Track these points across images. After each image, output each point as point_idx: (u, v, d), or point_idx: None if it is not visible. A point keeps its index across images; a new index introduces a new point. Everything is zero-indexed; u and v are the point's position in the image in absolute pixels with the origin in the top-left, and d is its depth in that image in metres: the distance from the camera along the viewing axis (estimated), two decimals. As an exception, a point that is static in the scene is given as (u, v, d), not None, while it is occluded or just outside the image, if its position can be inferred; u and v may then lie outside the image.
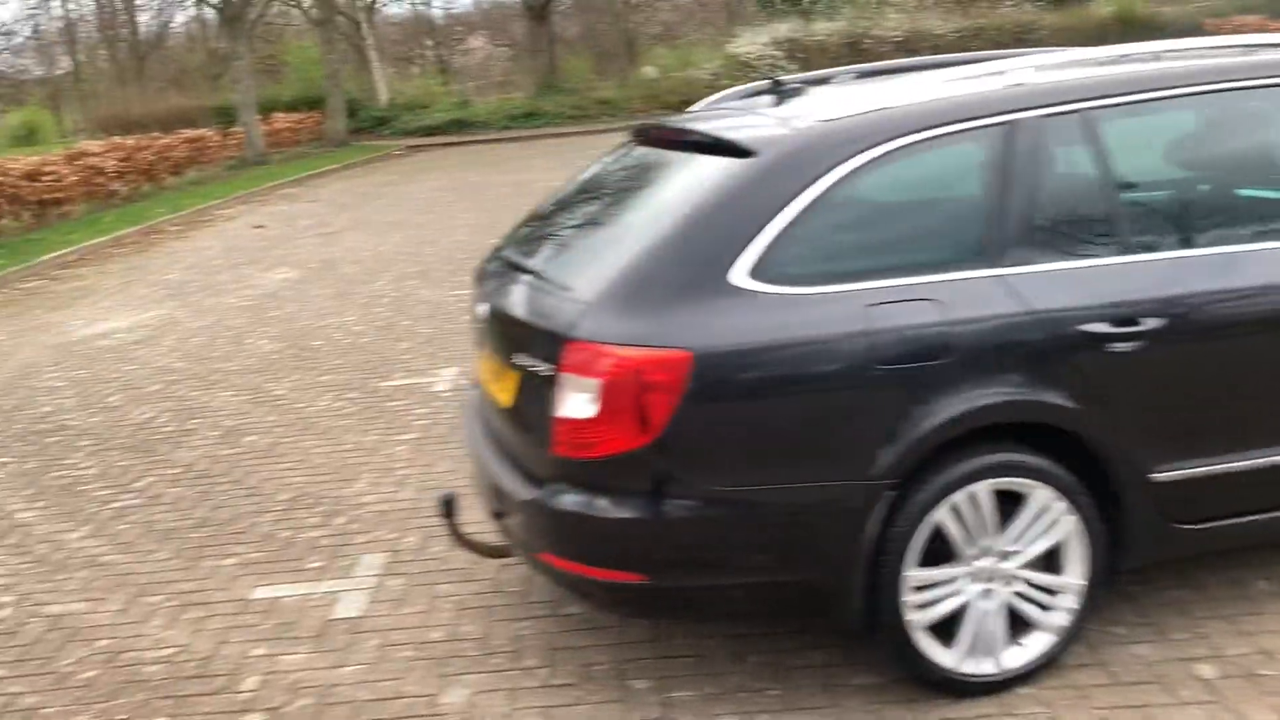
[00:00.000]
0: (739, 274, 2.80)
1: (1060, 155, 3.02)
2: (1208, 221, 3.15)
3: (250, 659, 3.59)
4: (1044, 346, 2.87)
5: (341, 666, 3.50)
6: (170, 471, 5.44)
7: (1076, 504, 2.95)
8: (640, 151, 3.60)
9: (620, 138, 3.97)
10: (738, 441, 2.79)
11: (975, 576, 2.96)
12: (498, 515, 3.36)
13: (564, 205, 3.63)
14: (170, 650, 3.70)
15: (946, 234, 2.97)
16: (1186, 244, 3.08)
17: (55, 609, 4.08)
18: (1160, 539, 3.07)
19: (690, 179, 3.09)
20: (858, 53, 27.61)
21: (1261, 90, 3.19)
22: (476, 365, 3.68)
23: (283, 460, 5.45)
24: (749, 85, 4.02)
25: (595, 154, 4.05)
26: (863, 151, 2.89)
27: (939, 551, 2.92)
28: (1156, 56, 3.34)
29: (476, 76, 44.47)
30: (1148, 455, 2.98)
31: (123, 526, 4.80)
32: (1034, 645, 3.03)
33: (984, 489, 2.89)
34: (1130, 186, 3.09)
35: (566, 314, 2.88)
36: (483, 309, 3.40)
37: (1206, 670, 3.06)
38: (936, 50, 26.57)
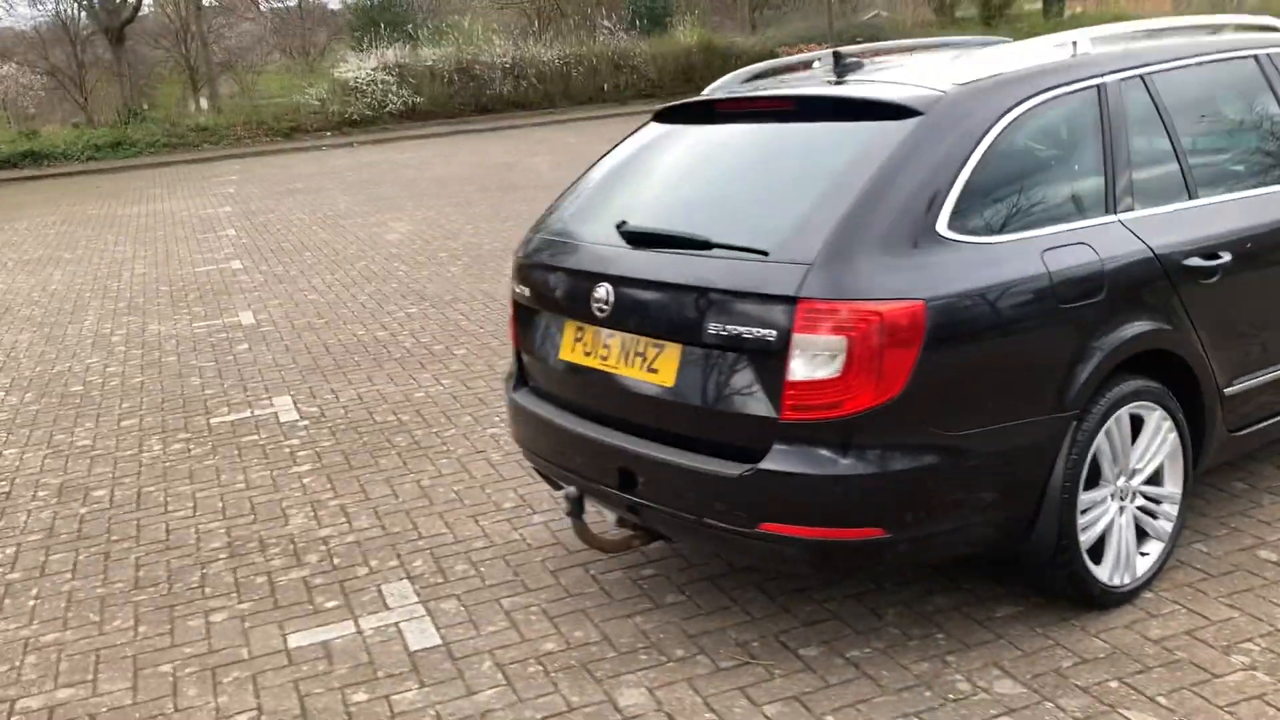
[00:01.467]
0: (943, 226, 2.92)
1: (1135, 113, 3.41)
2: (1249, 167, 3.72)
3: (360, 705, 3.17)
4: (1162, 281, 3.25)
5: (477, 693, 3.18)
6: (30, 539, 4.57)
7: (1177, 422, 3.35)
8: (713, 125, 3.60)
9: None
10: (963, 387, 2.90)
11: (1115, 496, 3.27)
12: (631, 506, 3.23)
13: (652, 178, 3.56)
14: (247, 716, 3.17)
15: (1078, 183, 3.27)
16: (1239, 187, 3.61)
17: (34, 702, 3.34)
18: (1222, 447, 3.55)
19: (845, 139, 3.16)
20: (470, 77, 27.95)
21: (1242, 60, 3.80)
22: (555, 354, 3.49)
23: (169, 509, 4.76)
24: (748, 69, 4.13)
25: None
26: (1010, 110, 3.12)
27: (1090, 477, 3.19)
28: (1160, 33, 3.86)
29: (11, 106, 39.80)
30: (1224, 373, 3.45)
31: (32, 603, 3.98)
32: (1153, 553, 3.39)
33: (1125, 414, 3.21)
34: (1189, 138, 3.55)
35: (784, 276, 2.85)
36: (603, 290, 3.24)
37: (1269, 554, 3.57)
38: (542, 76, 27.51)
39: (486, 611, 3.64)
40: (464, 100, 28.06)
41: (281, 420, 5.86)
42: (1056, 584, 3.24)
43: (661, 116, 3.86)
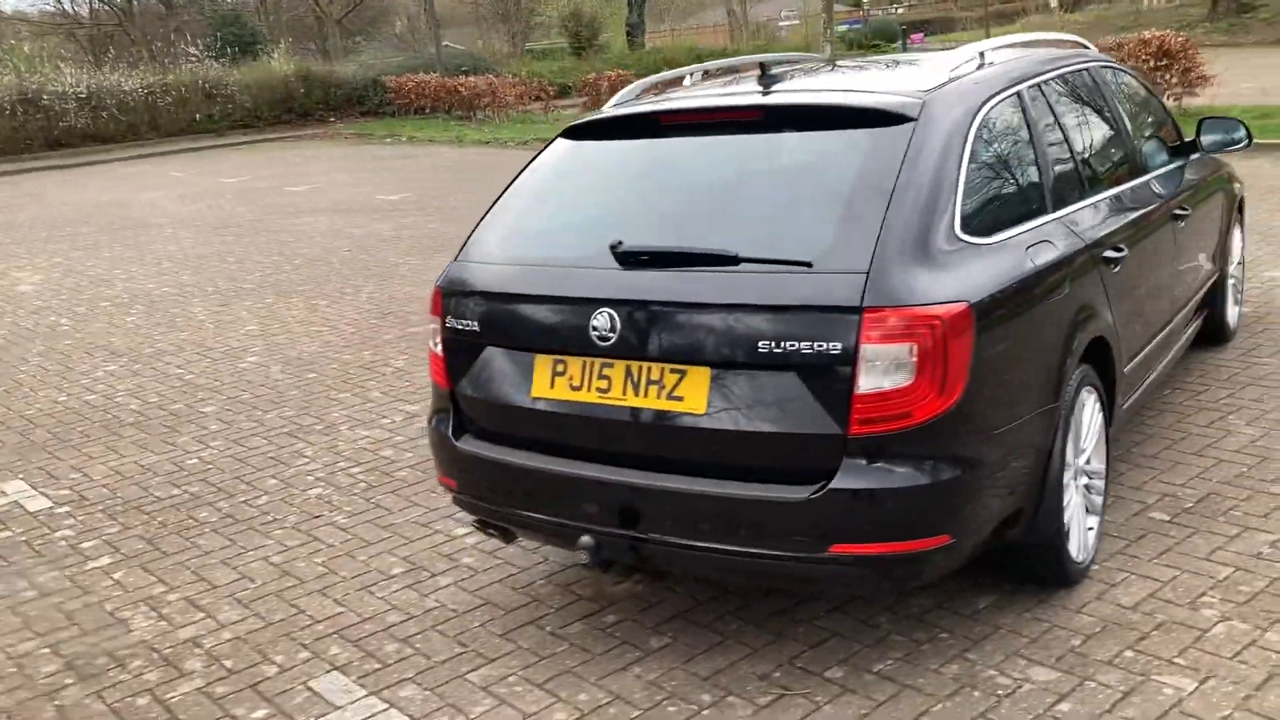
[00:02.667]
0: (959, 228, 2.96)
1: (1042, 118, 3.65)
2: (1113, 165, 4.08)
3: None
4: (1095, 273, 3.50)
5: (518, 784, 2.79)
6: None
7: (1101, 402, 3.62)
8: (664, 139, 3.43)
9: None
10: (1000, 385, 2.95)
11: (1074, 476, 3.47)
12: (632, 544, 3.00)
13: (611, 196, 3.33)
14: None
15: (1028, 185, 3.43)
16: (1112, 183, 3.96)
17: None
18: (1114, 422, 3.88)
19: (841, 147, 3.12)
20: (39, 108, 25.06)
21: (1084, 72, 4.19)
22: (521, 394, 3.16)
23: None
24: (637, 85, 3.98)
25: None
26: (975, 115, 3.23)
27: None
28: (1020, 47, 4.14)
29: None
30: (1124, 354, 3.77)
31: None
32: (1095, 527, 3.63)
33: (1082, 398, 3.41)
34: (1075, 141, 3.85)
35: (841, 287, 2.75)
36: (604, 317, 2.97)
37: (1160, 515, 3.94)
38: (124, 107, 25.25)
39: (460, 691, 3.22)
40: (30, 134, 25.02)
41: (31, 509, 4.87)
42: (1046, 568, 3.37)
43: (576, 133, 3.61)
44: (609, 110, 3.62)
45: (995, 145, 3.34)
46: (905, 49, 32.49)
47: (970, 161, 3.10)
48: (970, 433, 2.85)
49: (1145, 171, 4.30)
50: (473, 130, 22.88)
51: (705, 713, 3.02)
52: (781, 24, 55.31)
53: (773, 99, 3.38)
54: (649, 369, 2.96)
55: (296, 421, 5.81)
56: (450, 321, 3.35)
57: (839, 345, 2.73)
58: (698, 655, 3.30)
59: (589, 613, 3.59)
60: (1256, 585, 3.42)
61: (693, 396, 2.89)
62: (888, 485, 2.76)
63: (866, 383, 2.73)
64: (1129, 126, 4.37)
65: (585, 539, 3.02)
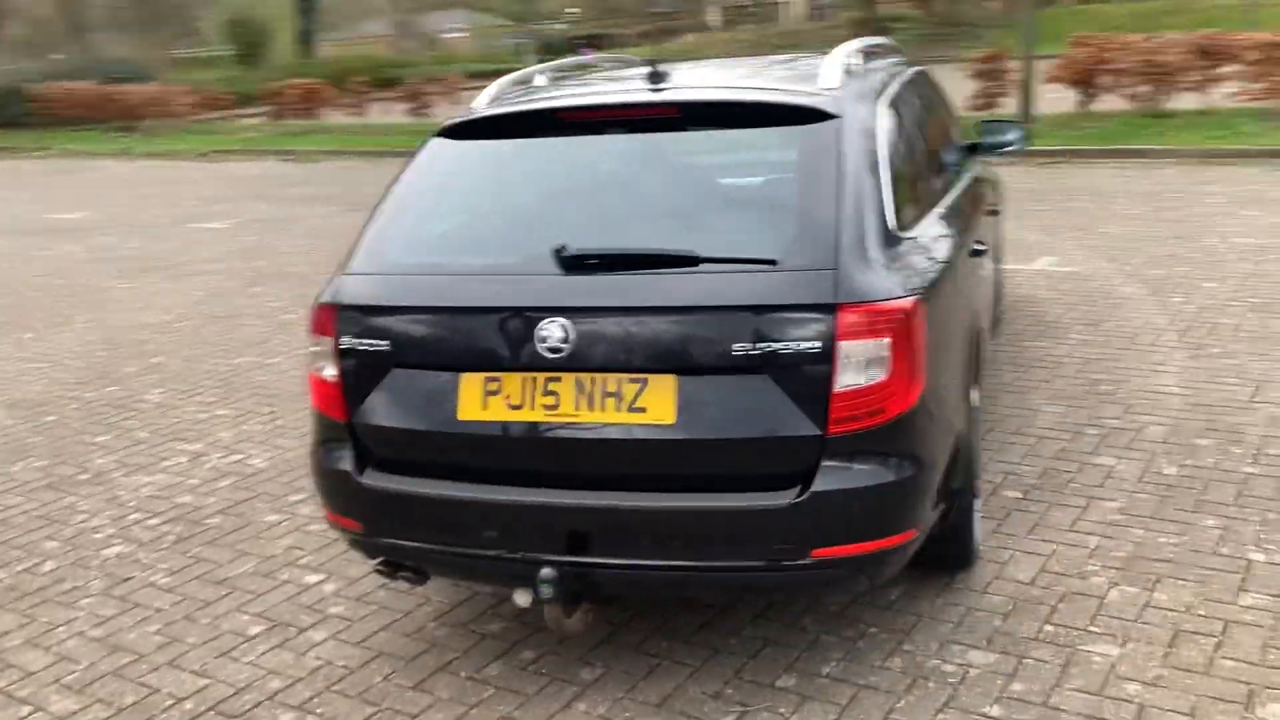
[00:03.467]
0: (892, 223, 2.97)
1: (908, 117, 3.74)
2: (956, 161, 4.25)
3: None
4: (971, 265, 3.64)
5: None
6: None
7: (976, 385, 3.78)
8: (564, 136, 3.22)
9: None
10: (938, 376, 2.98)
11: (972, 460, 3.59)
12: (579, 572, 2.81)
13: (520, 198, 3.09)
14: None
15: (913, 183, 3.49)
16: (957, 179, 4.13)
17: None
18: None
19: (770, 143, 3.06)
20: None
21: (921, 72, 4.36)
22: (444, 416, 2.88)
23: None
24: (509, 76, 3.75)
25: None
26: (875, 114, 3.26)
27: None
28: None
29: None
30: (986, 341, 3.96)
31: None
32: (979, 509, 3.78)
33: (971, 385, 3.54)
34: (935, 139, 3.97)
35: (812, 284, 2.68)
36: (555, 327, 2.74)
37: (1012, 493, 4.16)
38: None
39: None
40: None
41: None
42: (959, 551, 3.45)
43: (456, 133, 3.32)
44: (490, 109, 3.35)
45: (894, 145, 3.38)
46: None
47: (887, 160, 3.11)
48: (925, 424, 2.86)
49: (963, 169, 4.53)
50: (140, 142, 21.09)
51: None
52: (448, 35, 55.04)
53: (689, 95, 3.25)
54: (604, 380, 2.76)
55: (54, 472, 5.05)
56: (347, 341, 2.98)
57: (816, 344, 2.65)
58: (639, 682, 3.12)
59: (501, 652, 3.32)
60: (1125, 550, 3.66)
61: (658, 406, 2.72)
62: (866, 484, 2.72)
63: (844, 380, 2.67)
64: (950, 127, 4.60)
65: (547, 571, 2.77)
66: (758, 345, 2.67)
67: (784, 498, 2.69)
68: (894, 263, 2.84)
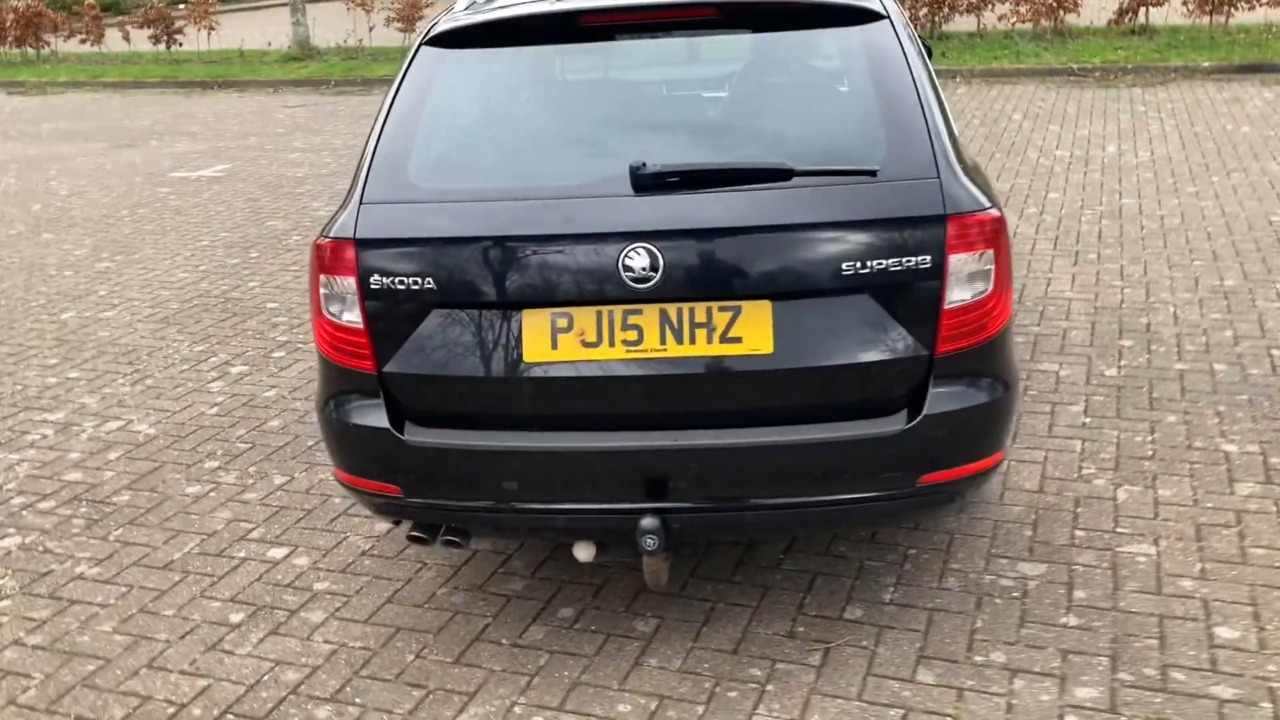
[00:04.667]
0: (956, 129, 2.84)
1: None
2: None
3: None
4: None
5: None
6: None
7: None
8: (591, 42, 2.89)
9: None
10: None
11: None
12: (665, 519, 2.58)
13: (557, 112, 2.76)
14: None
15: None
16: None
17: None
18: None
19: (829, 46, 2.86)
20: None
21: None
22: (508, 361, 2.56)
23: None
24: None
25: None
26: (903, 11, 3.10)
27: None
28: None
29: None
30: None
31: None
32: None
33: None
34: None
35: (918, 194, 2.51)
36: (641, 254, 2.46)
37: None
38: None
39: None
40: None
41: None
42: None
43: (451, 41, 2.90)
44: (491, 12, 2.95)
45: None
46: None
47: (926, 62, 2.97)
48: (1011, 341, 2.77)
49: None
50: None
51: (770, 687, 2.69)
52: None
53: None
54: (692, 310, 2.50)
55: (-113, 458, 4.27)
56: (377, 281, 2.58)
57: (926, 258, 2.49)
58: (702, 630, 2.93)
59: (535, 612, 3.04)
60: (1109, 451, 3.75)
61: (754, 335, 2.50)
62: (973, 404, 2.60)
63: (953, 296, 2.53)
64: None
65: (649, 521, 2.51)
66: (860, 263, 2.48)
67: (894, 424, 2.54)
68: (973, 173, 2.71)
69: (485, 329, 2.57)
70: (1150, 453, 3.72)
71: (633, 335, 2.51)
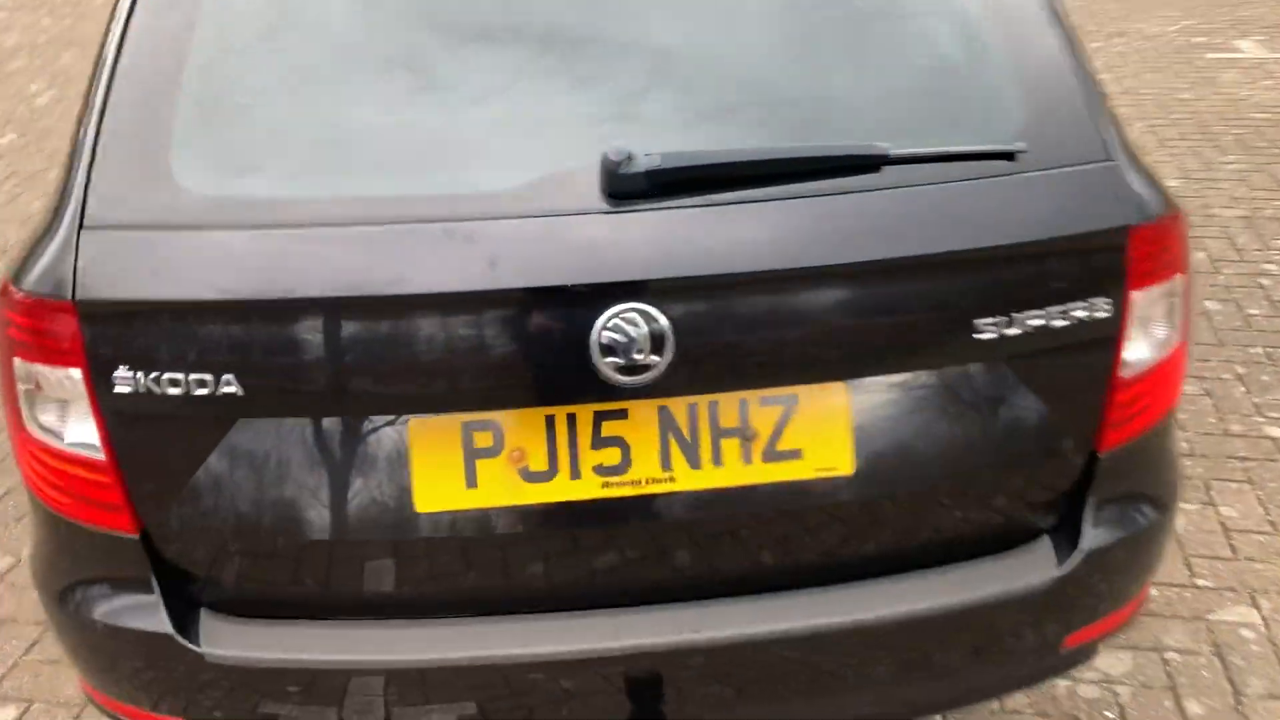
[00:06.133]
0: None
1: None
2: None
3: None
4: None
5: None
6: None
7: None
8: None
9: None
10: None
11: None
12: None
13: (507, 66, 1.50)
14: None
15: None
16: None
17: None
18: None
19: None
20: None
21: None
22: (397, 506, 1.43)
23: None
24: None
25: None
26: None
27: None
28: None
29: None
30: None
31: None
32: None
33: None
34: None
35: (1087, 191, 1.48)
36: (632, 321, 1.34)
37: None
38: None
39: None
40: None
41: None
42: None
43: None
44: None
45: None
46: None
47: None
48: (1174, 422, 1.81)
49: None
50: None
51: None
52: None
53: None
54: (715, 407, 1.42)
55: None
56: (125, 375, 1.37)
57: (1100, 298, 1.48)
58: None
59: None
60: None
61: (822, 445, 1.44)
62: (1139, 527, 1.65)
63: (1131, 354, 1.54)
64: None
65: None
66: (998, 313, 1.44)
67: (1038, 569, 1.56)
68: (1138, 153, 1.68)
69: (338, 453, 1.41)
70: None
71: (613, 457, 1.41)
